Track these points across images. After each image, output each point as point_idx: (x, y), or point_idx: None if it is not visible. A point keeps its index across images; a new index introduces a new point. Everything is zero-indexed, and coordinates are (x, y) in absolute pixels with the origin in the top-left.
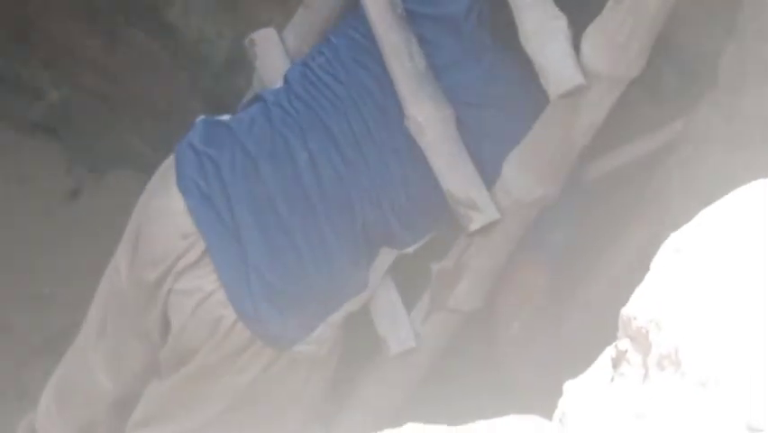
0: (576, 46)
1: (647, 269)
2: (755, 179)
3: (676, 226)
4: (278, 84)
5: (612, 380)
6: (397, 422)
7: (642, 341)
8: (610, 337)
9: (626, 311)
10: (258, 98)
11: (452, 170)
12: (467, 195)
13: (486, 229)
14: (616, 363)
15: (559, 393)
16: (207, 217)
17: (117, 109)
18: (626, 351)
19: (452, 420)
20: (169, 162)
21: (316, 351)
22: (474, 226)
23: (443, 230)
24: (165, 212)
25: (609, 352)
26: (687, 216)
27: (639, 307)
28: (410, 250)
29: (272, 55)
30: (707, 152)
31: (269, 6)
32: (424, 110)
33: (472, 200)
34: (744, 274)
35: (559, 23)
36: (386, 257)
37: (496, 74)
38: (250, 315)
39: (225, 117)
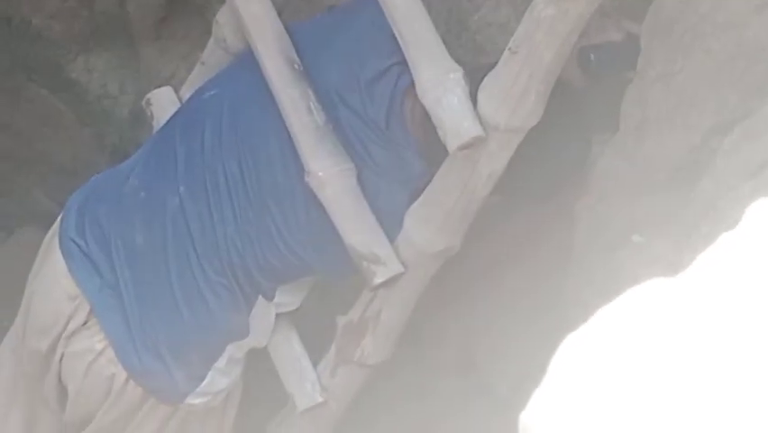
0: (474, 97)
1: None
2: (660, 224)
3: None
4: None
5: None
6: None
7: None
8: None
9: (524, 418)
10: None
11: (354, 224)
12: (369, 249)
13: (390, 282)
14: None
15: None
16: (89, 277)
17: (23, 167)
18: None
19: None
20: (56, 226)
21: (210, 402)
22: (378, 280)
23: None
24: (51, 277)
25: None
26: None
27: (538, 414)
28: (289, 303)
29: (169, 114)
30: (612, 198)
31: (171, 61)
32: (324, 165)
33: (375, 254)
34: (643, 378)
35: (455, 76)
36: (264, 308)
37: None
38: (137, 370)
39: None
